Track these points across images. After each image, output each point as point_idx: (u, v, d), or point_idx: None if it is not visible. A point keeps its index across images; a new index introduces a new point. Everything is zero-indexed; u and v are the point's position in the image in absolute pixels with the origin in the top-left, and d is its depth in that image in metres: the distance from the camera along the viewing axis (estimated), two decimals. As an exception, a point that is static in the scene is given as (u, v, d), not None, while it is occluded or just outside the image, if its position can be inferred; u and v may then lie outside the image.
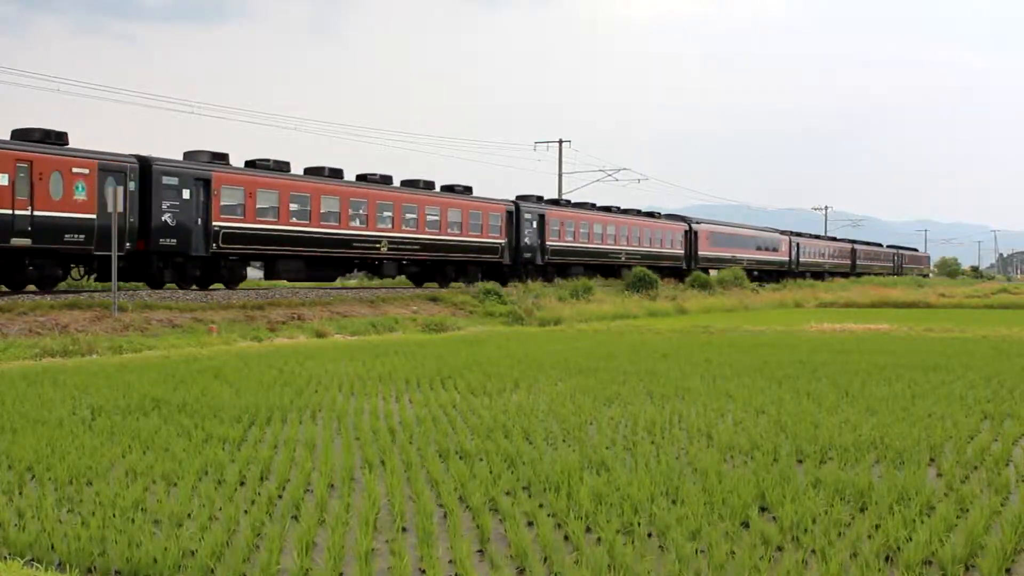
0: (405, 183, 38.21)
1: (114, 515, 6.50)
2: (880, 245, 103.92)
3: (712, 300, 44.74)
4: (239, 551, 5.70)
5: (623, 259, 50.60)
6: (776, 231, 74.65)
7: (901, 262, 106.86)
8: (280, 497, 7.19)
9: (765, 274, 68.28)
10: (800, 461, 8.39)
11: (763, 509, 6.78)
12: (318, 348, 20.88)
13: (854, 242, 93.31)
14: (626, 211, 53.44)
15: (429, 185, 39.08)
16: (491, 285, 38.05)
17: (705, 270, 59.01)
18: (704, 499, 6.83)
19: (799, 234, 78.41)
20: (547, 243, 44.57)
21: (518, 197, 45.31)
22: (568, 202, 50.15)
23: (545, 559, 5.67)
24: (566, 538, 6.13)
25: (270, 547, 5.64)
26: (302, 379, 14.39)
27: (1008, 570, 5.61)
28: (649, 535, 6.19)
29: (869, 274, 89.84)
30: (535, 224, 44.10)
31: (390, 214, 35.85)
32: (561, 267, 46.39)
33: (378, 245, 35.28)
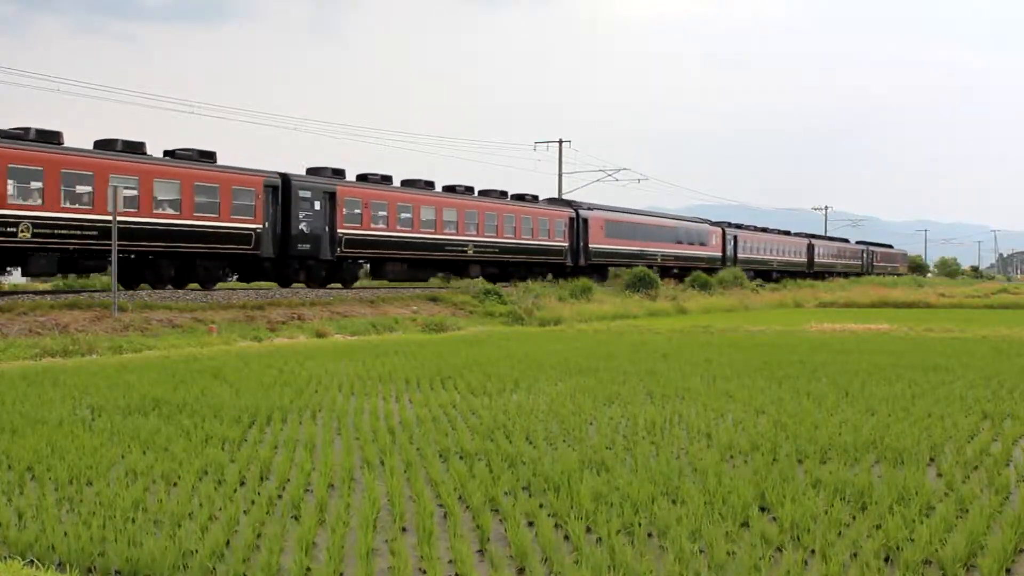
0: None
1: (114, 515, 6.50)
2: (846, 241, 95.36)
3: (712, 300, 44.74)
4: (239, 551, 5.70)
5: (470, 253, 39.93)
6: (707, 221, 64.77)
7: (871, 260, 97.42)
8: (280, 497, 7.19)
9: (688, 271, 56.69)
10: (800, 461, 8.39)
11: (763, 509, 6.78)
12: (318, 348, 20.88)
13: (813, 237, 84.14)
14: (486, 193, 42.88)
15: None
16: (491, 285, 38.12)
17: (600, 268, 50.16)
18: (704, 499, 6.83)
19: (738, 226, 68.08)
20: (337, 231, 34.23)
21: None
22: (372, 178, 36.95)
23: (545, 559, 5.67)
24: (566, 538, 6.13)
25: (270, 547, 5.63)
26: (302, 379, 14.39)
27: (1008, 570, 5.61)
28: (649, 535, 6.19)
29: (831, 274, 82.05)
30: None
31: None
32: (375, 262, 38.03)
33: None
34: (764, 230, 73.29)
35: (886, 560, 5.70)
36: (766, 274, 69.14)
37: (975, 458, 8.46)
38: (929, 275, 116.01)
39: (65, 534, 6.02)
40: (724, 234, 64.58)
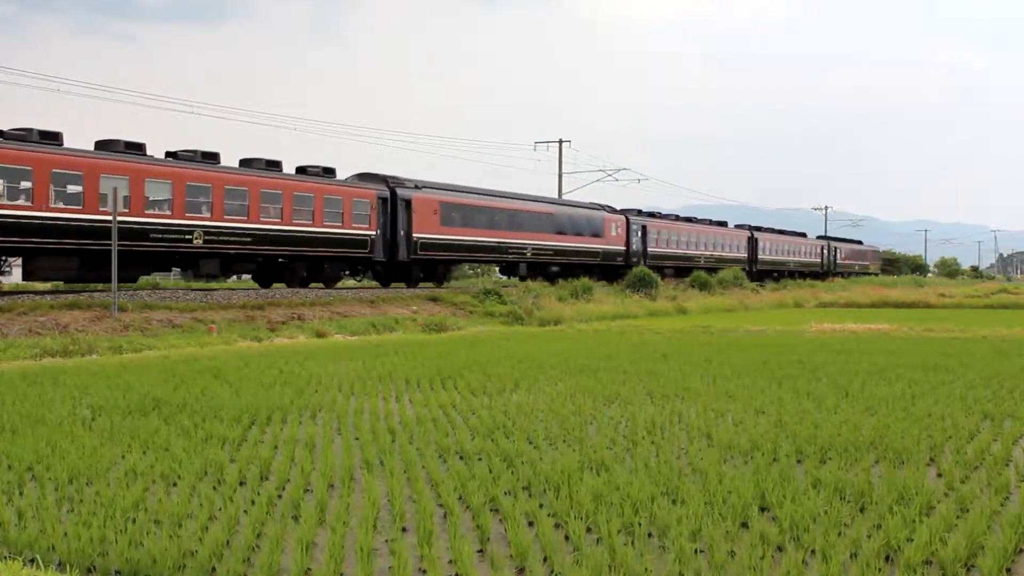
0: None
1: (114, 515, 6.50)
2: (803, 235, 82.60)
3: (712, 300, 44.76)
4: (239, 551, 5.70)
5: (195, 240, 29.38)
6: (607, 208, 52.31)
7: (834, 257, 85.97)
8: (280, 497, 7.19)
9: (574, 270, 46.99)
10: (800, 461, 8.39)
11: (763, 509, 6.78)
12: (318, 348, 20.88)
13: (756, 229, 71.66)
14: (272, 163, 33.36)
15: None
16: (491, 285, 38.17)
17: (430, 265, 40.15)
18: (704, 499, 6.82)
19: (651, 215, 57.43)
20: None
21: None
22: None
23: (545, 559, 5.67)
24: (566, 538, 6.13)
25: (270, 547, 5.63)
26: (302, 379, 14.39)
27: (1008, 570, 5.61)
28: (649, 535, 6.19)
29: (779, 273, 71.23)
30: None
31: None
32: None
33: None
34: (690, 220, 62.54)
35: (886, 560, 5.70)
36: (687, 272, 57.17)
37: (975, 458, 8.46)
38: (929, 275, 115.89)
39: (65, 534, 6.02)
40: (628, 224, 52.92)
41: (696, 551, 5.73)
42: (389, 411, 11.38)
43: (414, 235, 37.51)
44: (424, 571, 5.49)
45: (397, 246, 36.98)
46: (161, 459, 8.31)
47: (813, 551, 5.79)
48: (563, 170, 64.04)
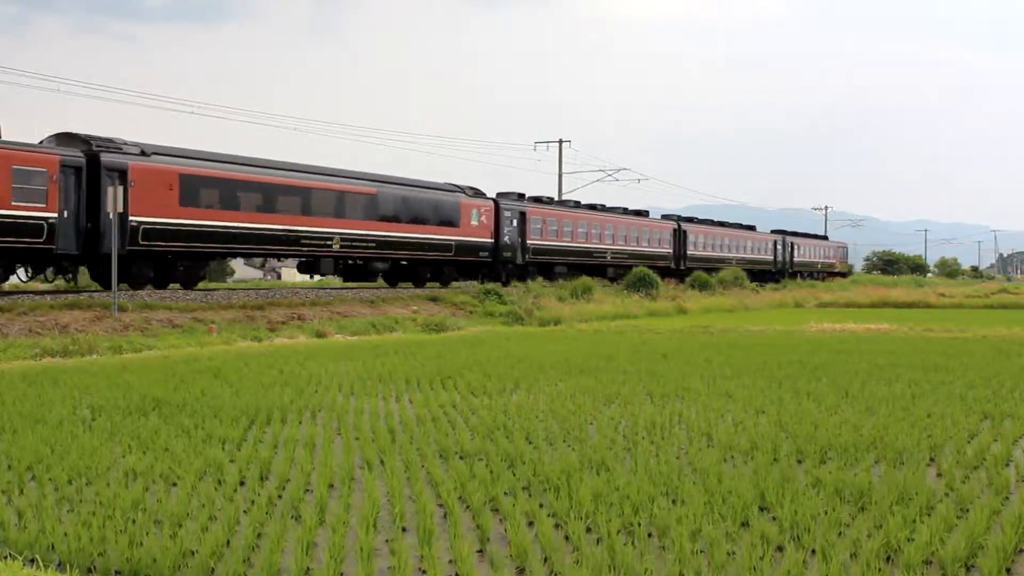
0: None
1: (114, 515, 6.50)
2: (751, 228, 70.00)
3: (712, 300, 44.75)
4: (239, 551, 5.70)
5: None
6: (464, 190, 40.98)
7: (790, 255, 73.19)
8: (280, 497, 7.19)
9: (417, 267, 38.79)
10: (800, 461, 8.39)
11: (763, 509, 6.78)
12: (318, 348, 20.88)
13: (686, 220, 60.12)
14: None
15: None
16: (491, 285, 38.19)
17: (163, 258, 29.15)
18: (704, 499, 6.82)
19: (538, 200, 46.42)
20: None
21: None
22: None
23: (545, 559, 5.67)
24: (566, 538, 6.13)
25: (270, 547, 5.64)
26: (302, 379, 14.39)
27: (1008, 570, 5.61)
28: (649, 535, 6.19)
29: (712, 271, 57.47)
30: None
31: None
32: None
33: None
34: (593, 208, 51.05)
35: (886, 560, 5.70)
36: (598, 270, 49.38)
37: (975, 458, 8.46)
38: (929, 275, 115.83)
39: (65, 534, 6.02)
40: (498, 210, 42.02)
41: (696, 551, 5.73)
42: (389, 411, 11.38)
43: (132, 219, 27.03)
44: (424, 571, 5.49)
45: (102, 235, 26.26)
46: (161, 459, 8.31)
47: (813, 551, 5.79)
48: (563, 170, 64.04)
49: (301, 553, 5.59)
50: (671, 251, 57.17)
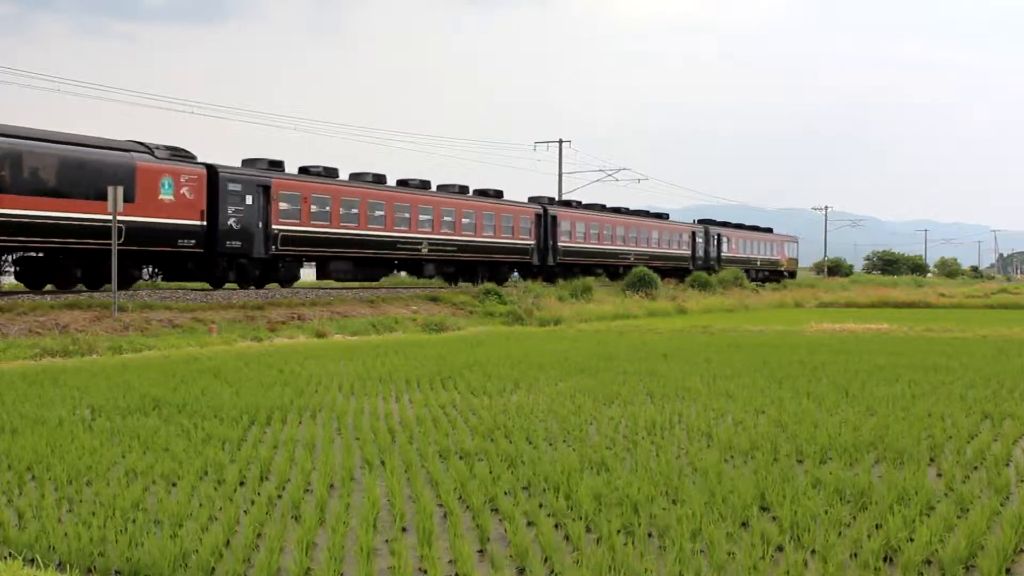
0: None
1: (114, 515, 6.50)
2: (662, 216, 58.76)
3: (712, 300, 44.76)
4: (239, 551, 5.70)
5: None
6: (138, 148, 27.64)
7: (717, 249, 61.55)
8: (280, 497, 7.19)
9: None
10: (800, 461, 8.39)
11: (763, 509, 6.78)
12: (318, 348, 20.88)
13: (559, 204, 49.20)
14: None
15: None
16: (491, 285, 38.22)
17: None
18: (704, 499, 6.82)
19: (361, 177, 36.41)
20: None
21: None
22: None
23: (545, 559, 5.67)
24: (566, 538, 6.13)
25: (270, 547, 5.64)
26: (302, 379, 14.39)
27: (1008, 570, 5.61)
28: (649, 535, 6.19)
29: (605, 269, 50.41)
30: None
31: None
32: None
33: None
34: (447, 189, 41.15)
35: (886, 560, 5.70)
36: (411, 266, 38.93)
37: (975, 458, 8.46)
38: (929, 275, 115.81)
39: (65, 534, 6.02)
40: (210, 180, 29.08)
41: (696, 551, 5.73)
42: (389, 411, 11.38)
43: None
44: (424, 571, 5.49)
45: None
46: (161, 459, 8.31)
47: (813, 551, 5.79)
48: (563, 170, 64.03)
49: (301, 553, 5.59)
50: (533, 243, 44.40)
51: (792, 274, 74.39)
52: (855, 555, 5.73)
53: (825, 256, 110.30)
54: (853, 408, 11.32)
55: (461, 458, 8.53)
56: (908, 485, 7.14)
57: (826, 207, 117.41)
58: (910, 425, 9.97)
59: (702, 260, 60.08)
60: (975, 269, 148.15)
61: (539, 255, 45.46)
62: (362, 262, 36.12)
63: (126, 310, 24.26)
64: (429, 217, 38.47)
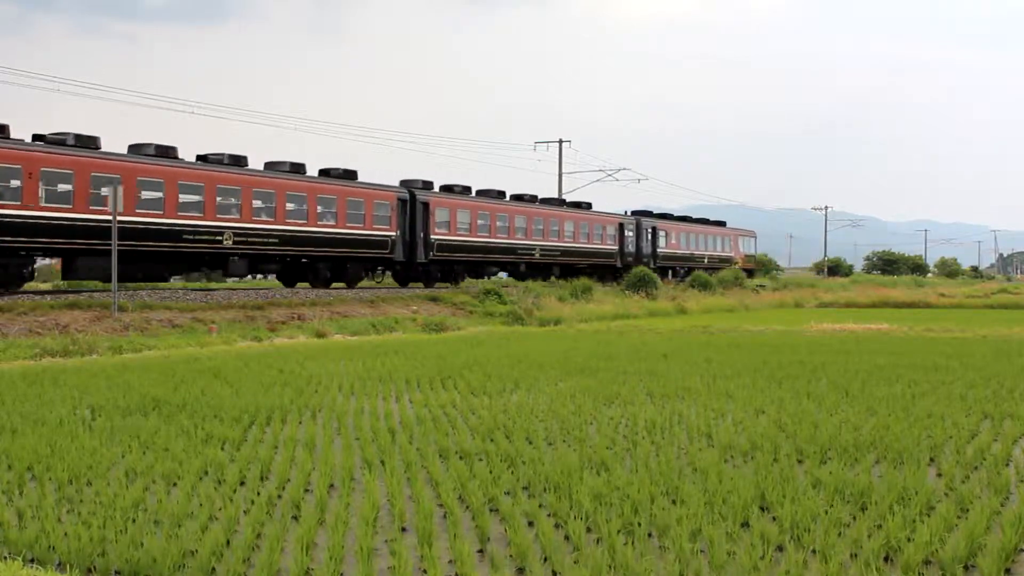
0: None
1: (114, 515, 6.50)
2: (582, 205, 50.82)
3: (712, 300, 44.77)
4: (239, 551, 5.70)
5: None
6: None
7: (651, 244, 54.24)
8: (280, 497, 7.19)
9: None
10: (800, 461, 8.39)
11: (763, 509, 6.78)
12: (318, 348, 20.88)
13: (446, 190, 40.65)
14: None
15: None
16: (491, 285, 38.20)
17: None
18: (704, 499, 6.82)
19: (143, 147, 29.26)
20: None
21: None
22: None
23: (545, 559, 5.67)
24: (566, 538, 6.13)
25: (270, 547, 5.63)
26: (302, 379, 14.39)
27: (1008, 570, 5.61)
28: (649, 535, 6.19)
29: (503, 267, 44.33)
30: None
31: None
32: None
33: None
34: (237, 163, 31.55)
35: (886, 560, 5.70)
36: (212, 262, 31.40)
37: (975, 458, 8.46)
38: (929, 275, 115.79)
39: (65, 534, 6.02)
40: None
41: (696, 551, 5.73)
42: (389, 411, 11.38)
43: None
44: (424, 571, 5.49)
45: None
46: (161, 459, 8.31)
47: (813, 551, 5.79)
48: (563, 170, 64.00)
49: (301, 553, 5.59)
50: (394, 234, 37.14)
51: (749, 272, 65.25)
52: (855, 555, 5.73)
53: (825, 256, 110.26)
54: (853, 408, 11.32)
55: (461, 458, 8.53)
56: (908, 485, 7.14)
57: (826, 207, 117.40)
58: (910, 425, 9.97)
59: (633, 256, 52.79)
60: (975, 269, 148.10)
61: (404, 250, 37.72)
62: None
63: (126, 310, 24.26)
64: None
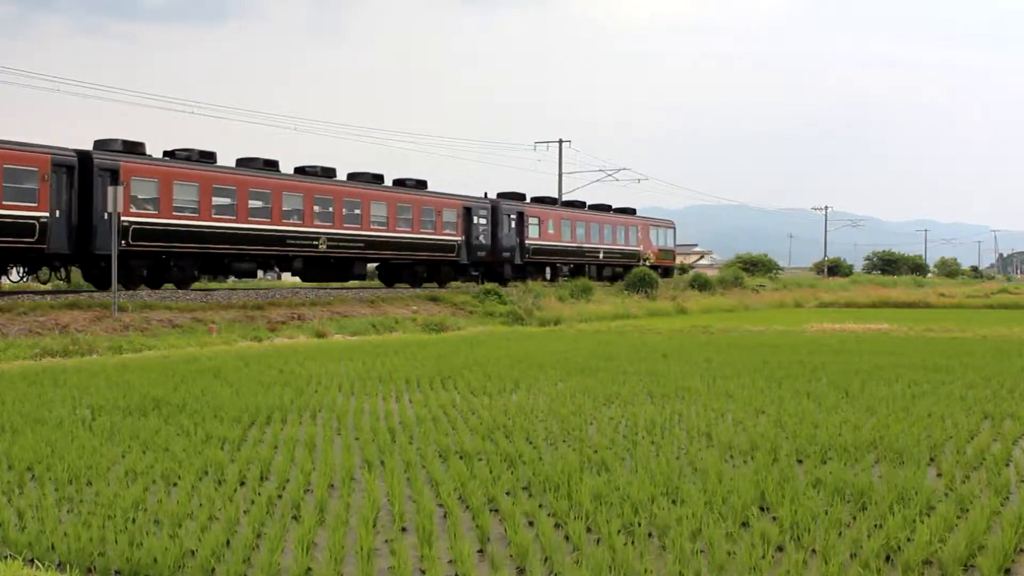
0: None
1: (114, 515, 6.50)
2: (418, 184, 38.89)
3: (712, 300, 44.77)
4: (239, 551, 5.70)
5: None
6: None
7: (516, 235, 42.95)
8: (280, 497, 7.19)
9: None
10: (800, 461, 8.39)
11: (763, 509, 6.78)
12: (318, 348, 20.88)
13: (209, 158, 30.35)
14: None
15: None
16: (491, 285, 38.19)
17: None
18: (704, 499, 6.82)
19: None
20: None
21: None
22: None
23: (545, 559, 5.67)
24: (566, 538, 6.13)
25: (270, 547, 5.63)
26: (302, 379, 14.39)
27: (1008, 570, 5.61)
28: (649, 535, 6.19)
29: (293, 260, 33.18)
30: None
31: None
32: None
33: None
34: None
35: (886, 560, 5.70)
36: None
37: (975, 458, 8.46)
38: (929, 275, 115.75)
39: (65, 534, 6.01)
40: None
41: (696, 551, 5.73)
42: (389, 411, 11.38)
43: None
44: (424, 571, 5.49)
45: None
46: (161, 459, 8.31)
47: (813, 551, 5.79)
48: (563, 170, 63.98)
49: (301, 553, 5.59)
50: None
51: (665, 271, 55.04)
52: (855, 555, 5.74)
53: (825, 256, 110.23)
54: (853, 408, 11.32)
55: (461, 458, 8.53)
56: (908, 485, 7.14)
57: (826, 207, 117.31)
58: (910, 425, 9.97)
59: (487, 251, 41.30)
60: (975, 269, 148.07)
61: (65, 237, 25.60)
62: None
63: (126, 310, 24.26)
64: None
